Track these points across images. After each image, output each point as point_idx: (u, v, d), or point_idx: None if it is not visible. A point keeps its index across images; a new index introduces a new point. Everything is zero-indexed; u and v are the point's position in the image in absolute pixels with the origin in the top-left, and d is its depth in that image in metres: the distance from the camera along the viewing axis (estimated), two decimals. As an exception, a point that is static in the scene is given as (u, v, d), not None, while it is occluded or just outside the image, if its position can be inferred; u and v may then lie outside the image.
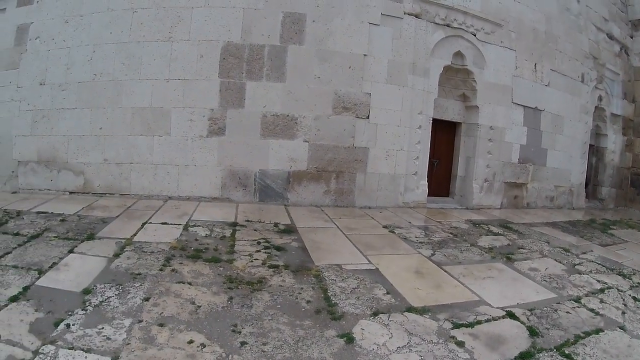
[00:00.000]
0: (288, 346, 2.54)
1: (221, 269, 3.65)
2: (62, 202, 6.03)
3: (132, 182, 6.15)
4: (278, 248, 4.25)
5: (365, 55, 6.00)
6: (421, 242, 4.78)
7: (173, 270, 3.65)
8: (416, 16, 6.18)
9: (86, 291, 3.24)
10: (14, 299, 3.06)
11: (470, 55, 6.30)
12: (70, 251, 4.05)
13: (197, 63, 5.94)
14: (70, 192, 6.36)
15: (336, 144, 6.01)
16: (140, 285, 3.36)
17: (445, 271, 3.85)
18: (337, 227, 5.16)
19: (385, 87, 6.07)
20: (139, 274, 3.56)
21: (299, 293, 3.22)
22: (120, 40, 6.14)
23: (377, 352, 2.47)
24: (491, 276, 3.81)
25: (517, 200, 6.46)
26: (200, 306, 3.05)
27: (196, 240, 4.46)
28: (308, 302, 3.07)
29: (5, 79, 6.76)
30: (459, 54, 6.26)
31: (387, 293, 3.29)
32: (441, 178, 6.46)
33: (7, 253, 3.97)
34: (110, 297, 3.18)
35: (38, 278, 3.43)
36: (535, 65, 6.42)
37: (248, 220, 5.20)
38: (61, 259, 3.86)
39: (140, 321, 2.80)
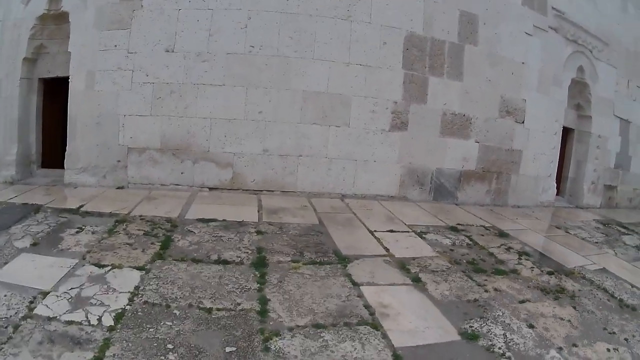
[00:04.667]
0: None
1: (521, 281, 3.08)
2: (213, 203, 4.28)
3: (299, 178, 4.67)
4: (523, 253, 3.77)
5: (523, 63, 5.51)
6: (596, 242, 4.59)
7: (495, 289, 2.85)
8: (555, 30, 5.92)
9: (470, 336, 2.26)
10: None
11: (588, 70, 6.33)
12: (355, 283, 2.76)
13: (379, 50, 4.73)
14: (211, 189, 4.60)
15: (499, 146, 5.42)
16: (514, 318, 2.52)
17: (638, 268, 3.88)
18: (529, 229, 4.65)
19: (535, 95, 5.68)
20: (486, 303, 2.67)
21: (595, 295, 3.01)
22: (286, 10, 4.56)
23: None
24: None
25: (610, 200, 6.80)
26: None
27: (451, 250, 3.67)
28: (608, 301, 2.95)
29: (107, 40, 4.57)
30: (580, 68, 6.25)
31: (633, 287, 3.25)
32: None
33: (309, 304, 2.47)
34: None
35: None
36: (628, 82, 6.78)
37: (459, 224, 4.37)
38: (359, 297, 2.59)
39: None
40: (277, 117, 4.57)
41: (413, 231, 3.96)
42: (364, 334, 2.18)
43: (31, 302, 2.24)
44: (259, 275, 2.75)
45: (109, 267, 2.70)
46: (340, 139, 4.68)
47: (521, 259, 3.58)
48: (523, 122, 5.59)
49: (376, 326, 2.24)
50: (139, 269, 2.71)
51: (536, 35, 5.66)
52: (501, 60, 5.36)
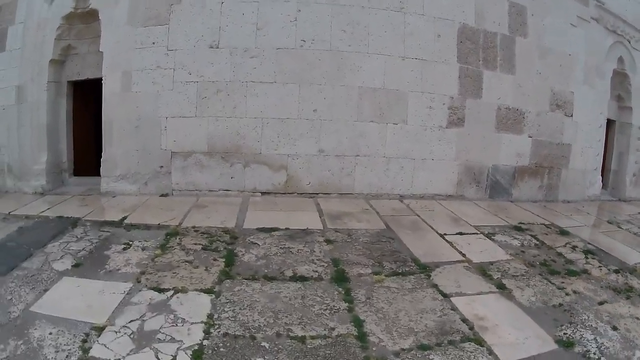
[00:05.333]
0: None
1: (593, 281, 2.99)
2: (269, 209, 3.96)
3: (357, 179, 4.38)
4: (588, 252, 3.63)
5: (569, 55, 5.35)
6: (648, 237, 4.53)
7: (574, 292, 2.75)
8: (596, 21, 5.79)
9: None
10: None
11: (627, 61, 6.22)
12: (444, 295, 2.58)
13: (434, 43, 4.48)
14: (263, 193, 4.28)
15: (550, 140, 5.24)
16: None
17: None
18: (585, 225, 4.52)
19: (582, 87, 5.52)
20: (570, 307, 2.53)
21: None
22: (337, 1, 4.27)
23: None
24: None
25: (650, 192, 6.76)
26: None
27: (522, 251, 3.50)
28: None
29: (144, 37, 4.22)
30: (620, 59, 6.13)
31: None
32: (597, 172, 6.33)
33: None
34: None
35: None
36: (663, 73, 6.72)
37: (521, 223, 4.18)
38: (453, 310, 2.41)
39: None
40: (332, 115, 4.26)
41: (481, 232, 3.77)
42: (471, 352, 2.01)
43: (84, 341, 1.88)
44: (343, 292, 2.49)
45: (171, 292, 2.36)
46: (398, 137, 4.41)
47: (587, 257, 3.48)
48: (572, 116, 5.42)
49: (480, 342, 2.09)
50: (207, 292, 2.38)
51: (580, 26, 5.50)
52: (550, 52, 5.18)
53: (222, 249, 2.99)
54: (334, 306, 2.32)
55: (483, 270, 2.98)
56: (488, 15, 4.79)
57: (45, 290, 2.34)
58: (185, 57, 4.20)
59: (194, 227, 3.41)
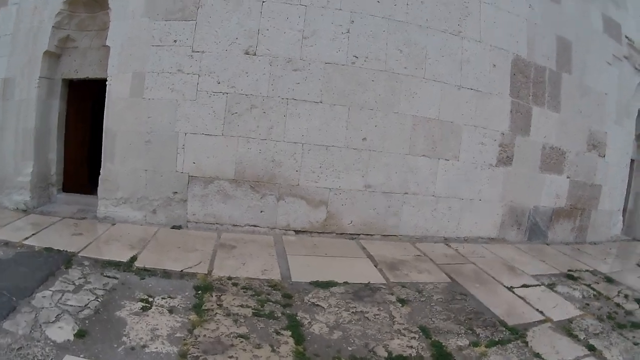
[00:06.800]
0: None
1: None
2: (311, 253, 3.41)
3: (402, 219, 3.90)
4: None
5: (605, 94, 5.29)
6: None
7: None
8: (627, 59, 5.80)
9: None
10: None
11: (651, 101, 6.33)
12: None
13: (489, 73, 4.13)
14: (297, 231, 3.67)
15: (585, 181, 5.12)
16: None
17: None
18: (622, 270, 4.37)
19: (613, 127, 5.47)
20: None
21: None
22: (394, 16, 3.79)
23: None
24: None
25: (658, 233, 6.90)
26: None
27: (587, 304, 3.31)
28: None
29: (163, 34, 3.47)
30: (645, 99, 6.24)
31: None
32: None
33: None
34: None
35: None
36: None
37: (570, 270, 3.94)
38: None
39: None
40: (383, 146, 3.75)
41: (541, 283, 3.53)
42: None
43: None
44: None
45: (236, 393, 1.70)
46: (449, 174, 4.00)
47: (641, 307, 3.45)
48: (604, 156, 5.38)
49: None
50: (288, 391, 1.75)
51: (614, 64, 5.48)
52: (589, 91, 5.06)
53: (279, 314, 2.37)
54: (456, 398, 1.85)
55: (567, 330, 2.78)
56: (538, 48, 4.52)
57: (43, 382, 1.59)
58: (214, 62, 3.50)
59: (229, 278, 2.75)
